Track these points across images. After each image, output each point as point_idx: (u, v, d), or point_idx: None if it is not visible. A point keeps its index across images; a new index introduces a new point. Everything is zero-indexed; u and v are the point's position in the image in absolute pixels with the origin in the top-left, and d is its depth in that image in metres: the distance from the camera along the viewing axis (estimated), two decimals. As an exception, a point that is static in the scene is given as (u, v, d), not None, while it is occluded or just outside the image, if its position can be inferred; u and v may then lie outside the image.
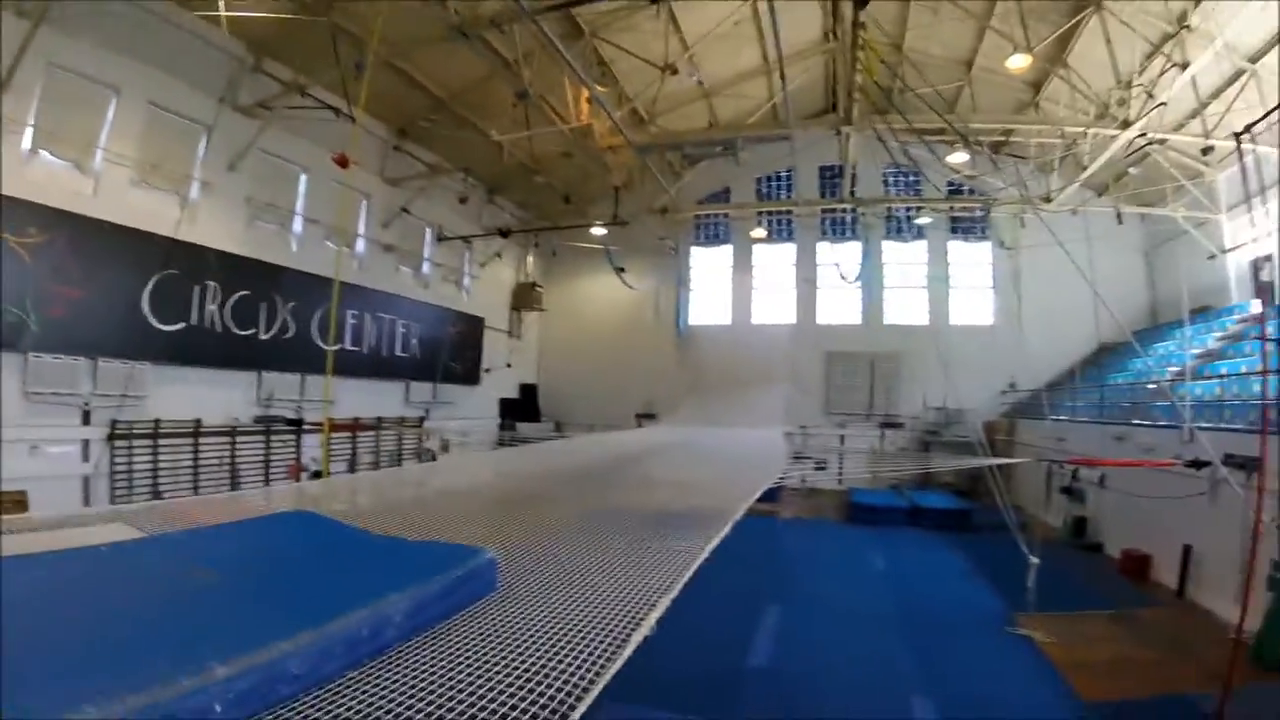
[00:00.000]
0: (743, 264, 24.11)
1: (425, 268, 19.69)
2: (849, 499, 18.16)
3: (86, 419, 11.16)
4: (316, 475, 12.91)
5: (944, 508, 17.02)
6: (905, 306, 22.42)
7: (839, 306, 22.89)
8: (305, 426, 14.64)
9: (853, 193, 18.64)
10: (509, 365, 23.31)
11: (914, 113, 13.59)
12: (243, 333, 13.70)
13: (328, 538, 3.40)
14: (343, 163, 13.20)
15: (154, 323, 12.00)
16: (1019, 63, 13.62)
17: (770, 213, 23.42)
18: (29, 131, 10.51)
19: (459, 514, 4.30)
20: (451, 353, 19.84)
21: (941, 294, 22.17)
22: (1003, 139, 19.23)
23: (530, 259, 24.30)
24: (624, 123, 14.98)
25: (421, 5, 11.21)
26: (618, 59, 15.65)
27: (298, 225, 15.34)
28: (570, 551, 3.56)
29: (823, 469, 19.69)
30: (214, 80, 13.01)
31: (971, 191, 20.15)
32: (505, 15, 11.15)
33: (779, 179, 22.96)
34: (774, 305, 23.69)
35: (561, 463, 8.57)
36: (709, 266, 24.62)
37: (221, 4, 10.99)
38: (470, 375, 20.94)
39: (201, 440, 12.86)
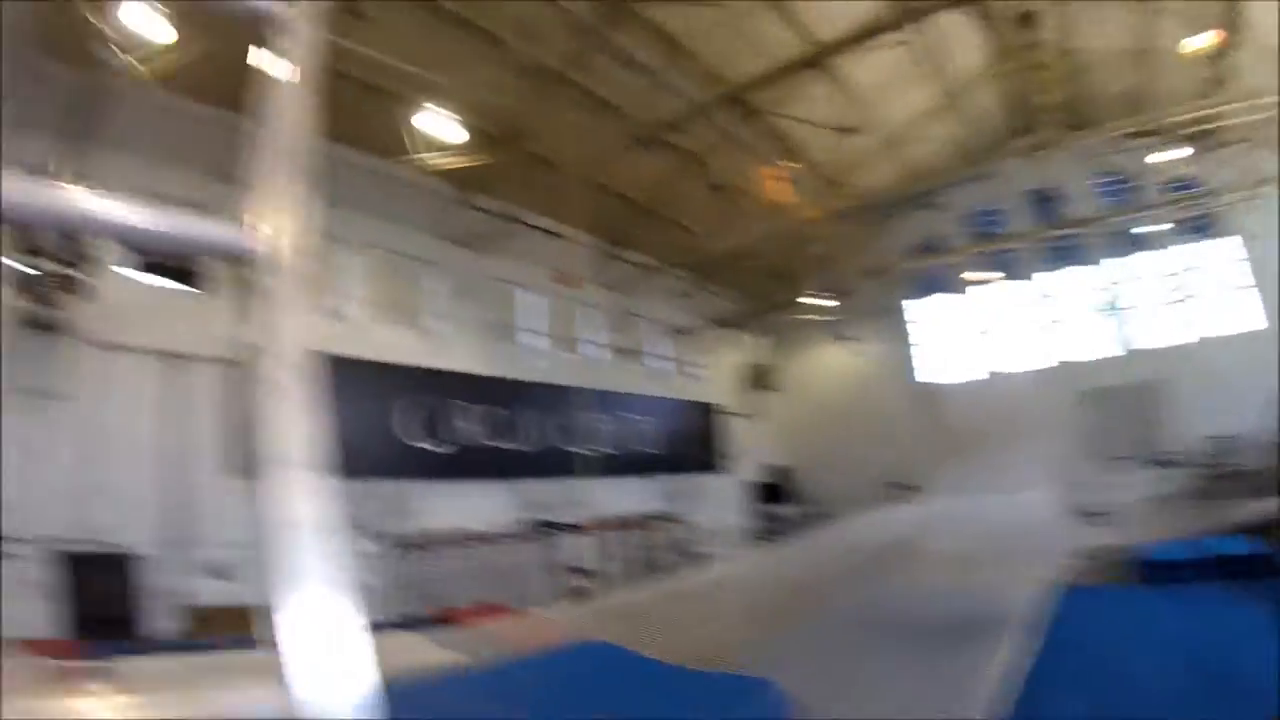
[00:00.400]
0: (967, 310, 22.49)
1: (656, 362, 20.82)
2: (1136, 555, 15.54)
3: (360, 534, 12.16)
4: (581, 573, 13.96)
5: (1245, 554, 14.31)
6: (1154, 326, 19.45)
7: (1080, 338, 20.39)
8: (566, 528, 15.55)
9: (1067, 215, 17.11)
10: (750, 448, 23.16)
11: (1106, 118, 12.41)
12: (495, 445, 15.05)
13: (628, 674, 3.56)
14: (567, 281, 14.69)
15: (411, 442, 13.57)
16: (1200, 43, 11.94)
17: (985, 252, 21.46)
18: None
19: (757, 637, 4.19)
20: (692, 442, 20.45)
21: (1190, 304, 19.24)
22: (1206, 126, 16.80)
23: (755, 339, 24.35)
24: (816, 191, 15.01)
25: (602, 121, 12.04)
26: (794, 128, 15.84)
27: (529, 339, 17.13)
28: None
29: (1099, 524, 17.02)
30: (433, 219, 14.81)
31: (1191, 188, 17.43)
32: (681, 117, 11.76)
33: (987, 215, 21.20)
34: (1009, 348, 21.68)
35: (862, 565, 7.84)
36: (933, 319, 23.22)
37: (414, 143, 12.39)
38: (712, 462, 21.26)
39: (469, 547, 13.94)
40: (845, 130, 14.79)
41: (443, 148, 12.53)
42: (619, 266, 18.84)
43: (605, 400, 17.84)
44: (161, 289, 11.20)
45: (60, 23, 8.44)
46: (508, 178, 14.03)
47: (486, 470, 14.76)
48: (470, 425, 14.70)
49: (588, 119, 12.93)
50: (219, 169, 9.57)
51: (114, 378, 10.29)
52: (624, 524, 17.14)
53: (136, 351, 10.59)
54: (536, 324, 17.42)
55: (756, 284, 21.49)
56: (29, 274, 9.01)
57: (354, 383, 12.49)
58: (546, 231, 14.80)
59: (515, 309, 17.09)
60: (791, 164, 15.00)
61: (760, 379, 23.99)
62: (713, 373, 22.62)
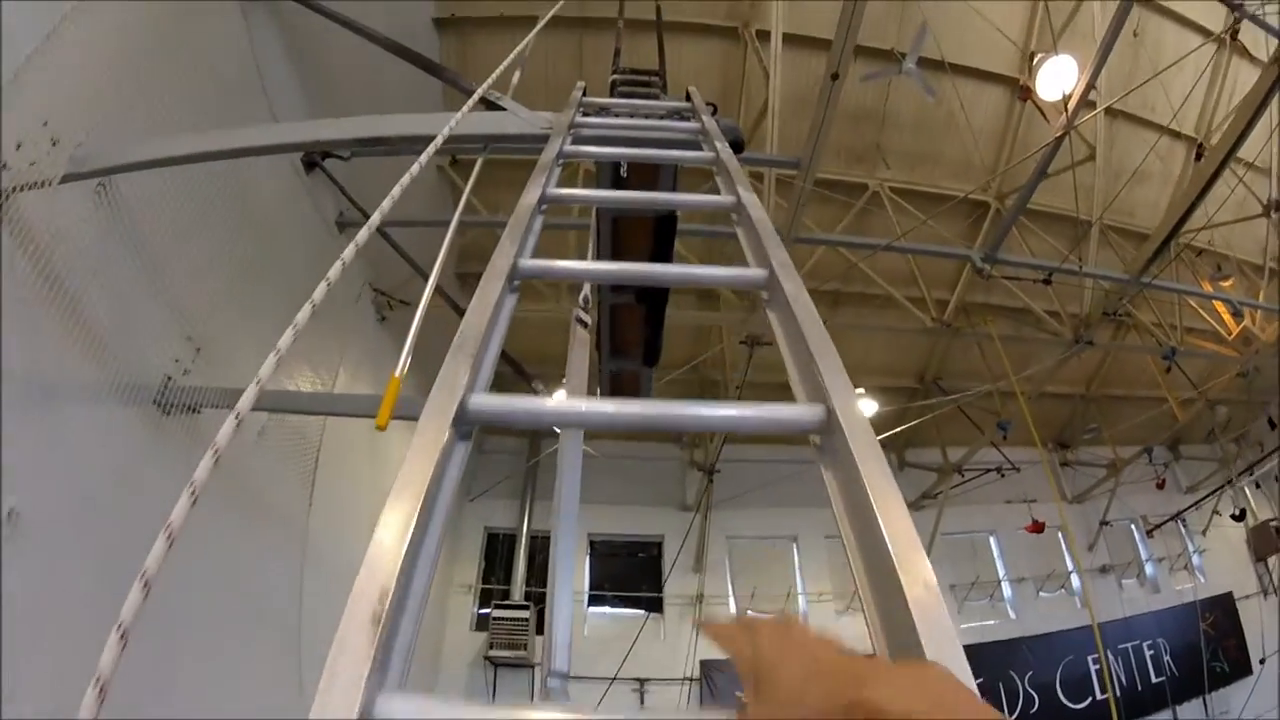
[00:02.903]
0: None
1: (1149, 569, 17.14)
2: None
3: None
4: None
5: None
6: None
7: None
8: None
9: None
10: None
11: None
12: None
13: None
14: (1038, 529, 13.80)
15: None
16: None
17: None
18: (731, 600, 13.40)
19: None
20: (1209, 651, 16.17)
21: None
22: None
23: (1253, 498, 18.31)
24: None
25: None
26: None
27: (1007, 590, 15.34)
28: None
29: None
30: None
31: None
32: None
33: None
34: None
35: None
36: None
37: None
38: (1239, 667, 16.63)
39: None
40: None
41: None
42: (1078, 473, 16.36)
43: (1106, 633, 13.96)
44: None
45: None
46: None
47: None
48: None
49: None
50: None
51: None
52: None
53: None
54: (1010, 569, 15.59)
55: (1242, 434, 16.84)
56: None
57: None
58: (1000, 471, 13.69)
59: (986, 557, 15.50)
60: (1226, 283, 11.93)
61: (1268, 543, 17.82)
62: (1214, 556, 17.79)
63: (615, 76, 4.65)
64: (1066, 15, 9.55)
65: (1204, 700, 15.51)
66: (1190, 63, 9.35)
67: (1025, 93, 9.90)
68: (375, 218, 2.31)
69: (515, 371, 7.36)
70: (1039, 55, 9.29)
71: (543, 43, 8.39)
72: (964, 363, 13.34)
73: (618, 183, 3.37)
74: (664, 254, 3.70)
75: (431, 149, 2.53)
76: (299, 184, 6.74)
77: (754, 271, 1.72)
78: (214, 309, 5.02)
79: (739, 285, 1.86)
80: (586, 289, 3.83)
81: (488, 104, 3.65)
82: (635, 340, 4.27)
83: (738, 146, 3.19)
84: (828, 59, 6.90)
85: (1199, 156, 10.75)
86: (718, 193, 2.35)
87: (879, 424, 12.89)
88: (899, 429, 12.24)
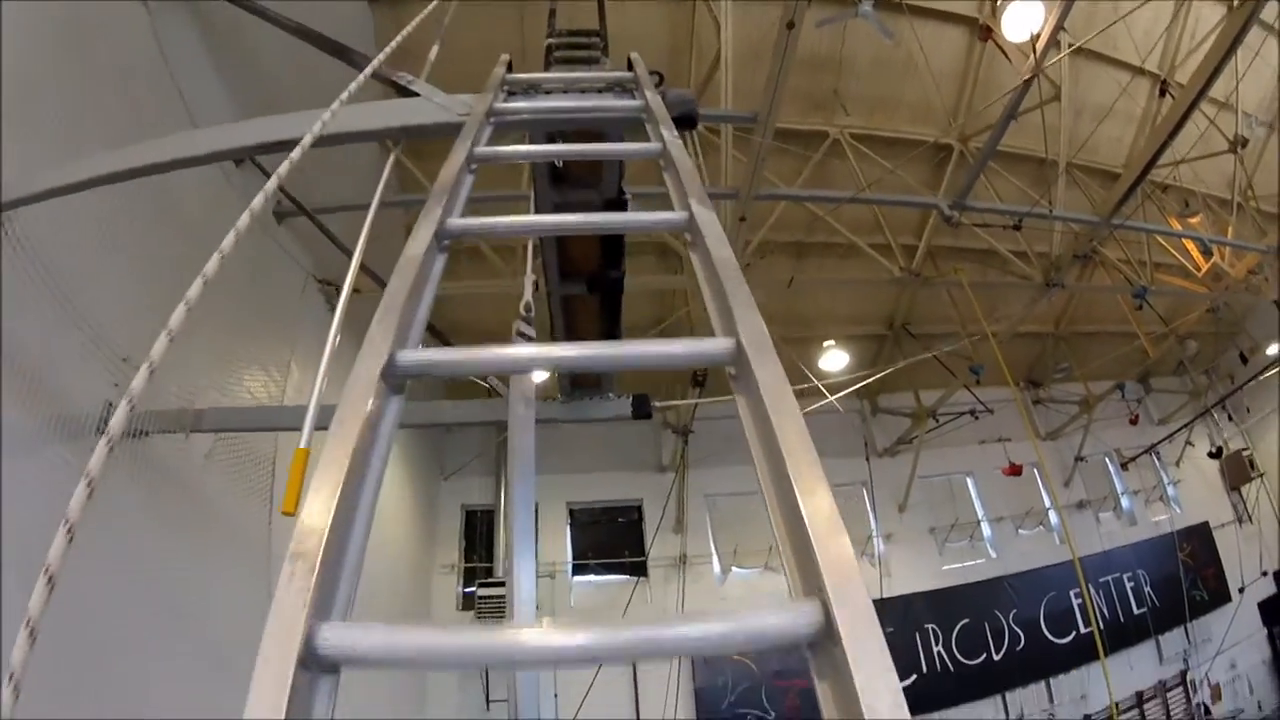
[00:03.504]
0: None
1: (1125, 502, 17.22)
2: None
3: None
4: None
5: None
6: None
7: None
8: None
9: None
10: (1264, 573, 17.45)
11: None
12: (973, 662, 13.79)
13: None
14: (1015, 472, 13.79)
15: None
16: None
17: None
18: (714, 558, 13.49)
19: None
20: (1189, 580, 16.54)
21: None
22: None
23: (1216, 424, 18.16)
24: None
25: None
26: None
27: (986, 530, 15.39)
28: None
29: None
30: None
31: None
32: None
33: None
34: None
35: None
36: None
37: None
38: (1218, 595, 16.93)
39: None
40: None
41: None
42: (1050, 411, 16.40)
43: (1087, 565, 13.63)
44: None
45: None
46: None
47: (968, 693, 13.50)
48: (945, 648, 13.65)
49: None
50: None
51: None
52: (1140, 703, 14.62)
53: None
54: (990, 508, 15.66)
55: (1207, 359, 16.90)
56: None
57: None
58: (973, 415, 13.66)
59: (965, 499, 15.61)
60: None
61: (1239, 471, 18.01)
62: (1188, 486, 17.89)
63: (550, 40, 4.23)
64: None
65: (1185, 629, 15.86)
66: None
67: (986, 32, 9.64)
68: (261, 197, 2.05)
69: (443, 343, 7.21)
70: (1001, -4, 8.90)
71: (482, 10, 8.06)
72: (933, 307, 13.25)
73: (554, 172, 3.17)
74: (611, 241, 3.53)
75: (297, 153, 2.28)
76: (225, 180, 6.37)
77: (675, 215, 1.71)
78: (148, 323, 4.72)
79: (661, 229, 1.83)
80: (529, 294, 3.57)
81: (400, 89, 3.39)
82: (592, 335, 4.07)
83: (690, 120, 2.97)
84: (783, 8, 6.61)
85: (1163, 93, 10.65)
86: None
87: (850, 372, 12.87)
88: (869, 378, 12.14)
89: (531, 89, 3.16)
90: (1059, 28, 7.67)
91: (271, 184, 2.05)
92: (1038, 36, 7.87)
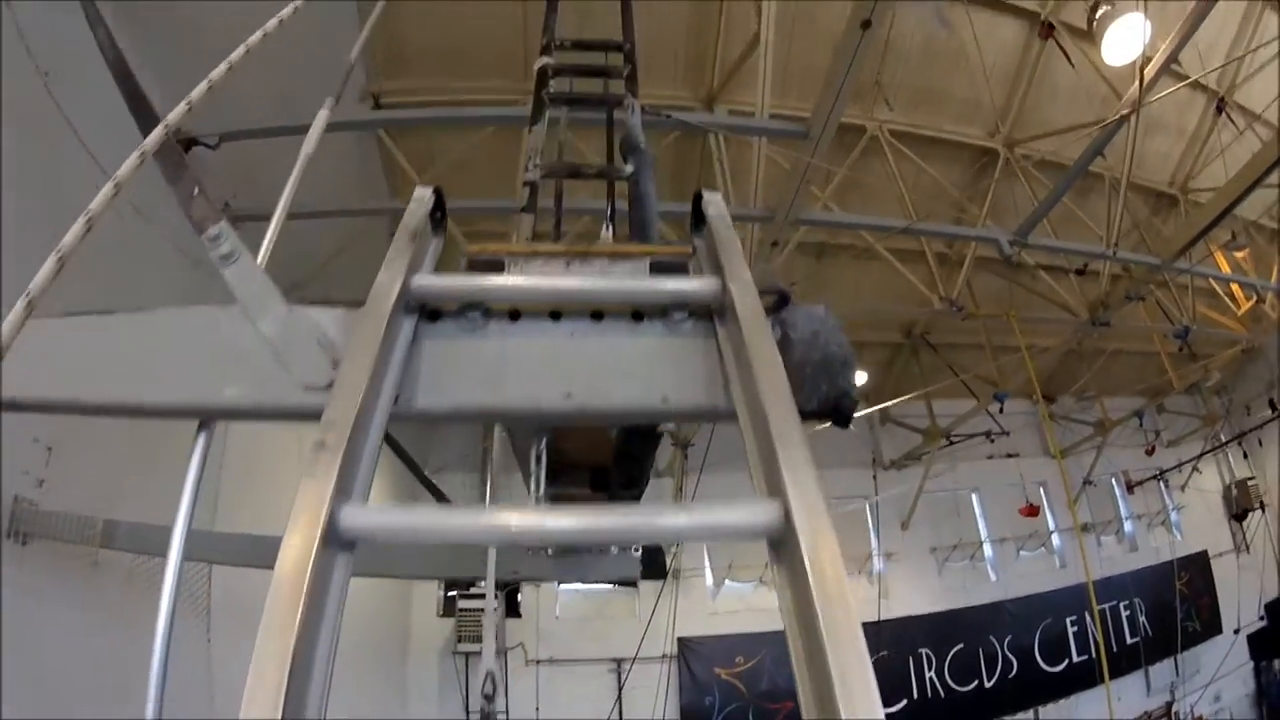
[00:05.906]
0: None
1: (1128, 527, 16.70)
2: None
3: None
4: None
5: None
6: None
7: None
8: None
9: None
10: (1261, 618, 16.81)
11: None
12: (965, 689, 13.47)
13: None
14: (1032, 513, 13.59)
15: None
16: None
17: None
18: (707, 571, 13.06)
19: None
20: (1183, 611, 16.03)
21: None
22: None
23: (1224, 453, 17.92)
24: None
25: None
26: None
27: (988, 551, 14.85)
28: None
29: None
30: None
31: None
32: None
33: None
34: None
35: None
36: None
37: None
38: (1210, 626, 16.51)
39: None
40: None
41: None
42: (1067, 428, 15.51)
43: (1082, 592, 13.61)
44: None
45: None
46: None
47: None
48: (937, 674, 13.27)
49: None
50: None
51: None
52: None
53: None
54: (994, 528, 15.14)
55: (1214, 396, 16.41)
56: None
57: None
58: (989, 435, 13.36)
59: (969, 518, 15.07)
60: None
61: (1244, 498, 17.37)
62: (1190, 513, 17.29)
63: (546, 62, 2.82)
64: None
65: (1175, 660, 15.44)
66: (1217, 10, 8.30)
67: (1047, 30, 8.77)
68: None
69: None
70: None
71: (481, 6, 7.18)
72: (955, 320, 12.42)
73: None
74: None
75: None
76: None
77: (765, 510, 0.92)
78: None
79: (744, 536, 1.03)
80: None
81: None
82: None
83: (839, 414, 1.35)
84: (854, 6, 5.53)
85: (1220, 110, 10.03)
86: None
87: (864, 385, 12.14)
88: (882, 403, 11.50)
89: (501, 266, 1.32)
90: (1173, 59, 6.73)
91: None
92: (1146, 61, 6.86)
